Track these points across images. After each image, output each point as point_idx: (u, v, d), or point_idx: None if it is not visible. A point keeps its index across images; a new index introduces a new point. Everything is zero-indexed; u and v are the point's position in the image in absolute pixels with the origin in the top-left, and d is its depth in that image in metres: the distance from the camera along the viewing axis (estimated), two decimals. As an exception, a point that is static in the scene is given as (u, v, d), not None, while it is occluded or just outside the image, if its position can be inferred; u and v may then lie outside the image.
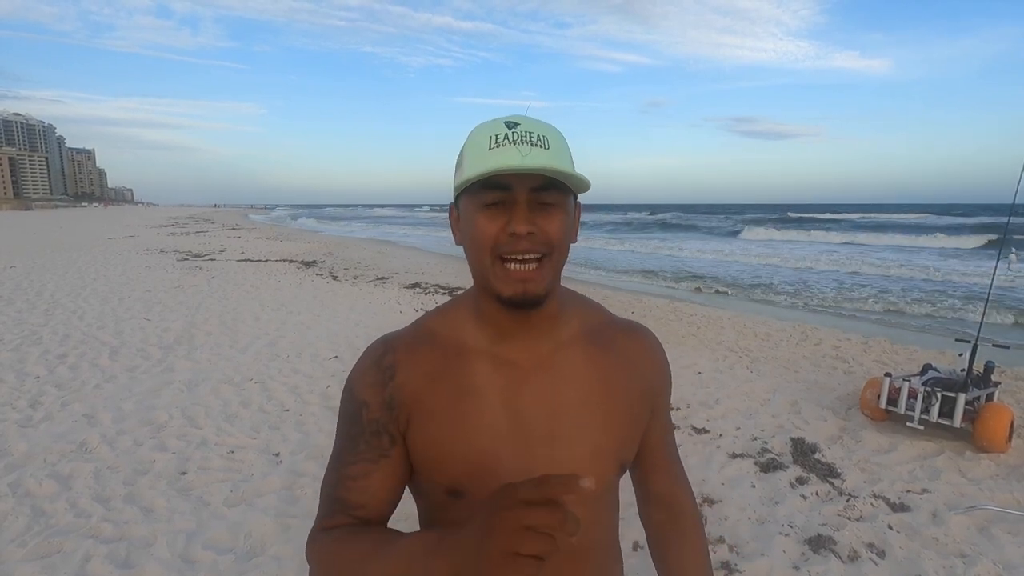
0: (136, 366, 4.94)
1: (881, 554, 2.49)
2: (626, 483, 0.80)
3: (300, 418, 3.89)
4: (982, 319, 4.25)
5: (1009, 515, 2.76)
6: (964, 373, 3.82)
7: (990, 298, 4.25)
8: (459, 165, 0.67)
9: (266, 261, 13.74)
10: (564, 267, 0.69)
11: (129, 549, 2.44)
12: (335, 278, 10.96)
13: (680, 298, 10.35)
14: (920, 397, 3.69)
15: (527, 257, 0.63)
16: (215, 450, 3.39)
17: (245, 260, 13.82)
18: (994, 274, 4.26)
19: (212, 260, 13.72)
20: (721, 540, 2.58)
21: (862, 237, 27.35)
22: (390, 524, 0.73)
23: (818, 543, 2.54)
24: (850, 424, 3.96)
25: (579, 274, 13.79)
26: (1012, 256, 4.20)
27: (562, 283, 0.73)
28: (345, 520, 0.70)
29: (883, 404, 3.86)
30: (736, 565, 2.40)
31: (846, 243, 25.78)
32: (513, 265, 0.63)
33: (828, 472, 3.23)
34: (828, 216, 50.55)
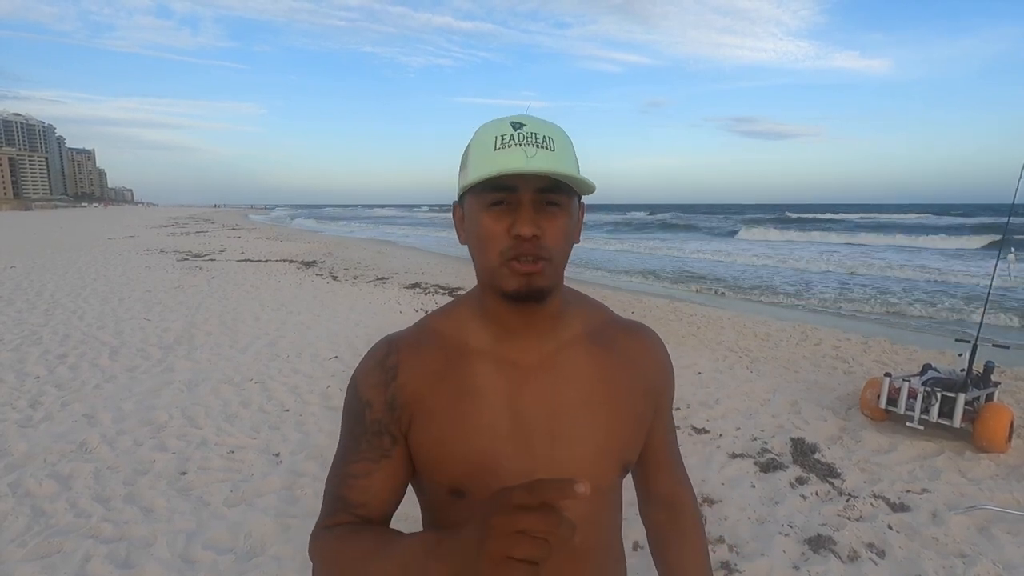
0: (136, 366, 4.94)
1: (881, 554, 2.49)
2: (626, 482, 0.80)
3: (300, 418, 3.89)
4: (982, 319, 4.25)
5: (1009, 515, 2.77)
6: (964, 373, 3.82)
7: (990, 298, 4.25)
8: (464, 164, 0.67)
9: (266, 261, 13.74)
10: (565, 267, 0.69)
11: (129, 549, 2.44)
12: (335, 278, 10.96)
13: (680, 298, 10.36)
14: (920, 397, 3.69)
15: (531, 258, 0.63)
16: (215, 450, 3.39)
17: (245, 260, 13.82)
18: (994, 274, 4.26)
19: (212, 260, 13.72)
20: (721, 540, 2.58)
21: (862, 237, 27.37)
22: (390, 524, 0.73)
23: (818, 543, 2.54)
24: (850, 424, 3.96)
25: (579, 274, 13.79)
26: (1011, 256, 4.20)
27: (563, 283, 0.73)
28: (347, 518, 0.70)
29: (883, 404, 3.86)
30: (736, 565, 2.40)
31: (846, 243, 25.79)
32: (517, 263, 0.64)
33: (828, 472, 3.23)
34: (828, 216, 50.56)
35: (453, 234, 0.74)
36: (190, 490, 2.94)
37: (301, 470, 3.15)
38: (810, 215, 53.44)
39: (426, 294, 9.20)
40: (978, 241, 23.60)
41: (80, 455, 3.28)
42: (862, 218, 48.38)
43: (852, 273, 14.56)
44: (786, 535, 2.62)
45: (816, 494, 3.01)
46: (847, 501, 2.92)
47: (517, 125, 0.63)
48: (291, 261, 13.94)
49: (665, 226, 41.69)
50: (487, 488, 0.65)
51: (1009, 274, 4.18)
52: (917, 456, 3.48)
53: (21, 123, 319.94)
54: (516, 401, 0.69)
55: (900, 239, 25.76)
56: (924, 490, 3.04)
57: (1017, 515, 2.75)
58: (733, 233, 33.18)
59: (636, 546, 2.43)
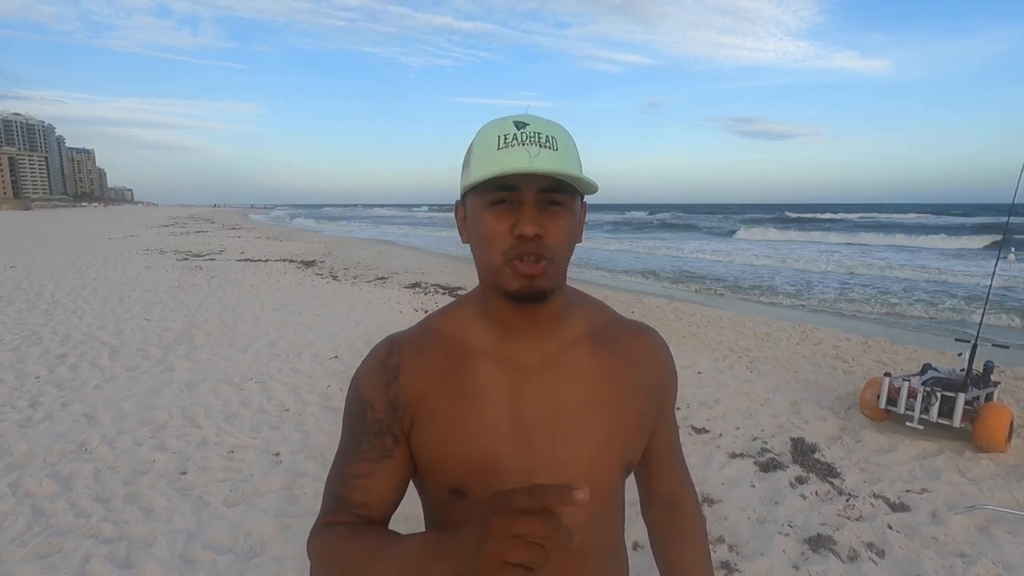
0: (136, 366, 4.94)
1: (881, 554, 2.49)
2: (627, 481, 0.80)
3: (300, 418, 3.89)
4: (982, 319, 4.25)
5: (1009, 515, 2.77)
6: (964, 373, 3.82)
7: (990, 298, 4.25)
8: (467, 163, 0.67)
9: (266, 261, 13.74)
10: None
11: (129, 549, 2.44)
12: (335, 278, 10.96)
13: (680, 298, 10.35)
14: (920, 397, 3.69)
15: (534, 258, 0.63)
16: (215, 450, 3.39)
17: (245, 260, 13.82)
18: (994, 274, 4.26)
19: (212, 260, 13.71)
20: (721, 540, 2.58)
21: (862, 237, 27.36)
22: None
23: (818, 543, 2.54)
24: (850, 424, 3.96)
25: (579, 274, 13.78)
26: (1011, 256, 4.20)
27: (566, 283, 0.73)
28: (347, 518, 0.70)
29: (883, 404, 3.86)
30: (736, 565, 2.40)
31: (846, 243, 25.79)
32: (520, 263, 0.64)
33: (828, 472, 3.23)
34: (828, 216, 50.56)
35: (453, 234, 0.74)
36: (190, 490, 2.94)
37: (301, 470, 3.15)
38: (810, 215, 53.46)
39: (426, 294, 9.20)
40: (978, 241, 23.59)
41: (80, 455, 3.28)
42: (862, 218, 48.40)
43: (852, 273, 14.56)
44: (786, 535, 2.62)
45: (816, 494, 3.01)
46: (847, 501, 2.92)
47: (520, 124, 0.63)
48: (291, 261, 13.94)
49: (665, 226, 41.69)
50: (488, 488, 0.65)
51: (1010, 273, 4.19)
52: (917, 456, 3.48)
53: (21, 123, 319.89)
54: (518, 401, 0.69)
55: (900, 239, 25.76)
56: (924, 490, 3.04)
57: (1017, 515, 2.75)
58: (733, 233, 33.18)
59: (636, 546, 2.43)
